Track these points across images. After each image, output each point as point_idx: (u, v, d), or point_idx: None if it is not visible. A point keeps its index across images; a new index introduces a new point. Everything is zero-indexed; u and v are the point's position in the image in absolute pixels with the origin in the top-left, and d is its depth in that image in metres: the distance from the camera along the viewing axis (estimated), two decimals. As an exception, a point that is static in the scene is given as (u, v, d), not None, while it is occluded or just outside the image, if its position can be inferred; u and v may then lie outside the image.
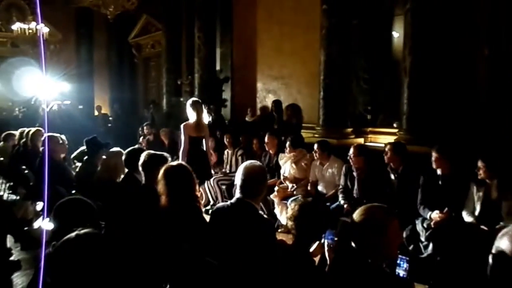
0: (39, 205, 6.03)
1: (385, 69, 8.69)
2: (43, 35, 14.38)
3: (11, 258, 5.05)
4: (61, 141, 6.25)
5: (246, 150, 8.14)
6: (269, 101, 10.72)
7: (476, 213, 4.76)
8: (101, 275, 2.03)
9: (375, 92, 8.82)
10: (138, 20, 16.57)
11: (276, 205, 6.64)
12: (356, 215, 2.50)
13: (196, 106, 6.55)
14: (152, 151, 4.43)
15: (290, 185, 6.79)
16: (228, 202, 3.38)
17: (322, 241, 3.04)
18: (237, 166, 7.94)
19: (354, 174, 5.89)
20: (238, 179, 3.28)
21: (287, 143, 6.97)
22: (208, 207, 7.56)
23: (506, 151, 5.37)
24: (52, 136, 6.12)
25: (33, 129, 7.60)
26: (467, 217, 4.80)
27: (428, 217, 4.96)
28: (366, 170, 5.85)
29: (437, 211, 4.88)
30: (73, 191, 5.48)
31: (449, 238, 4.63)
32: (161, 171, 3.55)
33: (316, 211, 2.90)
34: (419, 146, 6.29)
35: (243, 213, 3.18)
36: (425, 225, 4.95)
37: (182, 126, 6.56)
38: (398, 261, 2.79)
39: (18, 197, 7.60)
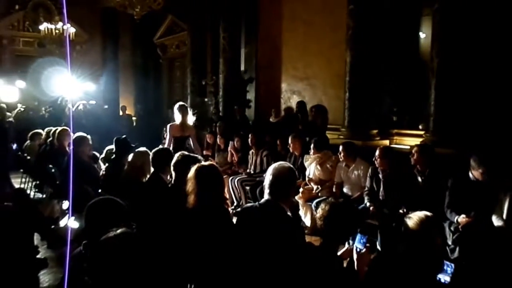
0: (65, 204, 6.08)
1: (411, 70, 8.58)
2: (69, 35, 14.57)
3: (38, 256, 5.09)
4: (90, 142, 6.31)
5: (271, 151, 8.09)
6: (293, 102, 10.69)
7: (504, 216, 4.67)
8: (140, 274, 2.04)
9: (401, 93, 8.72)
10: (163, 21, 16.69)
11: (300, 207, 6.59)
12: (412, 223, 2.50)
13: (181, 109, 7.11)
14: (185, 152, 4.43)
15: (315, 187, 6.74)
16: (257, 203, 3.36)
17: (351, 245, 3.01)
18: (261, 167, 7.97)
19: (380, 176, 5.83)
20: (267, 180, 3.25)
21: (312, 145, 6.92)
22: (232, 208, 7.53)
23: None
24: (83, 137, 6.20)
25: (59, 128, 7.66)
26: (496, 221, 4.70)
27: (455, 220, 4.88)
28: (392, 172, 5.77)
29: (463, 215, 4.80)
30: (100, 190, 5.51)
31: (476, 242, 4.55)
32: (192, 170, 3.54)
33: (346, 212, 2.87)
34: (446, 148, 6.19)
35: (272, 214, 3.14)
36: (452, 228, 4.86)
37: (168, 126, 7.20)
38: (444, 267, 2.79)
39: (44, 196, 7.70)
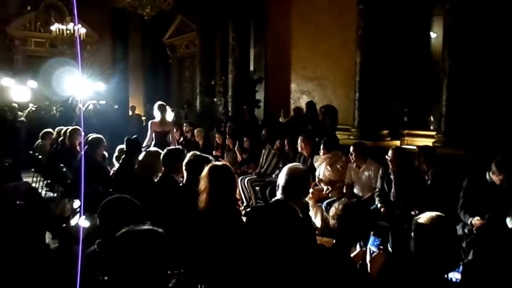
0: (76, 203, 6.10)
1: (422, 70, 8.54)
2: (80, 35, 14.67)
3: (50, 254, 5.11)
4: (104, 143, 6.35)
5: (281, 151, 8.07)
6: (303, 102, 10.67)
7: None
8: (157, 271, 2.07)
9: (411, 93, 8.68)
10: (172, 21, 16.72)
11: (310, 207, 6.57)
12: (423, 221, 2.52)
13: (160, 108, 8.17)
14: (197, 152, 4.43)
15: (325, 187, 6.71)
16: (268, 203, 3.35)
17: (364, 247, 2.99)
18: (270, 167, 7.97)
19: (391, 177, 5.80)
20: (281, 180, 3.24)
21: (321, 146, 6.89)
22: (242, 208, 7.52)
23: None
24: (100, 139, 6.25)
25: (70, 128, 7.70)
26: (510, 224, 4.65)
27: (469, 222, 4.82)
28: (403, 173, 5.75)
29: (477, 217, 4.74)
30: (110, 190, 5.52)
31: (490, 244, 4.50)
32: (206, 169, 3.54)
33: (360, 212, 2.85)
34: (457, 149, 6.16)
35: (284, 214, 3.14)
36: (466, 230, 4.81)
37: (149, 122, 8.27)
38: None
39: (55, 195, 7.73)
